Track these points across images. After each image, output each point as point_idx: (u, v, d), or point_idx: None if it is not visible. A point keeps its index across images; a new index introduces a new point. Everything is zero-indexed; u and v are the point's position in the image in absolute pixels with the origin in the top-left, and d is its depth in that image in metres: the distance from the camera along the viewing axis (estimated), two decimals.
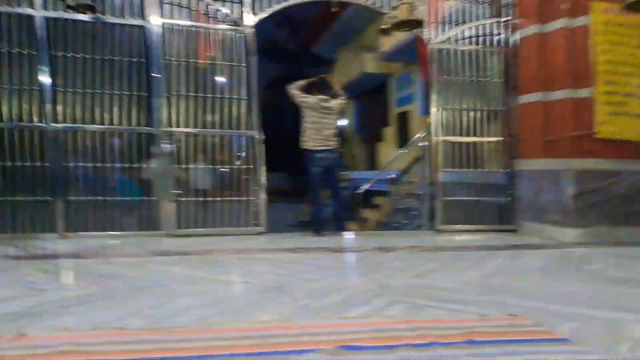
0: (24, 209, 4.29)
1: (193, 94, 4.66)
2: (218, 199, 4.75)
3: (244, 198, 4.84)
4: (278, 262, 3.44)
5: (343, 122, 13.67)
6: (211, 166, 4.74)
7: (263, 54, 5.46)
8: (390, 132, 11.40)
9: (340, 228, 4.98)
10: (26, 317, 2.04)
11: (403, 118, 10.73)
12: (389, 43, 9.50)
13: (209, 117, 4.74)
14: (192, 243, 4.25)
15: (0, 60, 4.25)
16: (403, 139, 10.21)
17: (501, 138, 5.25)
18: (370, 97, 13.14)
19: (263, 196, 4.82)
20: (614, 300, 2.43)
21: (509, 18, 5.23)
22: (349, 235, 4.97)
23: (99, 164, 4.53)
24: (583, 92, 4.57)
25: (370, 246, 4.20)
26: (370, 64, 11.44)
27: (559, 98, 4.67)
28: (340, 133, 6.54)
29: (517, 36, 5.10)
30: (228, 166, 4.84)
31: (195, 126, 4.69)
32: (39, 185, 4.32)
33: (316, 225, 4.92)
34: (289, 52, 21.38)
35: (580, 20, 4.58)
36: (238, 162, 4.85)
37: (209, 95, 4.69)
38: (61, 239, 4.34)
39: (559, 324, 2.01)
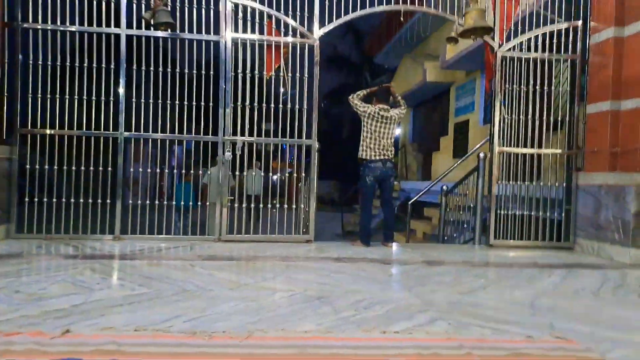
0: (86, 211, 4.53)
1: (257, 105, 4.75)
2: (269, 205, 4.80)
3: (295, 206, 4.91)
4: (323, 271, 3.41)
5: (399, 131, 13.51)
6: (267, 173, 4.79)
7: (325, 63, 5.51)
8: (447, 141, 11.13)
9: (388, 239, 4.89)
10: (73, 314, 2.12)
11: (461, 127, 10.45)
12: (453, 51, 9.29)
13: (270, 126, 4.84)
14: (241, 249, 4.32)
15: (83, 74, 4.55)
16: (460, 149, 9.93)
17: (563, 150, 4.98)
18: (429, 105, 12.90)
19: (313, 205, 4.83)
20: None
21: (582, 22, 4.96)
22: (396, 247, 4.87)
23: (160, 170, 4.78)
24: None
25: (417, 259, 4.08)
26: (432, 73, 11.20)
27: (631, 107, 4.36)
28: (396, 142, 6.40)
29: (590, 41, 4.83)
30: (283, 174, 4.94)
31: (257, 135, 4.80)
32: (102, 190, 4.54)
33: (364, 235, 4.86)
34: (350, 61, 21.51)
35: None
36: (290, 170, 4.93)
37: (272, 105, 4.76)
38: (117, 240, 4.54)
39: (610, 349, 1.85)
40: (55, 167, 4.60)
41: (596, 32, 4.77)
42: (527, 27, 5.01)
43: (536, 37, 5.02)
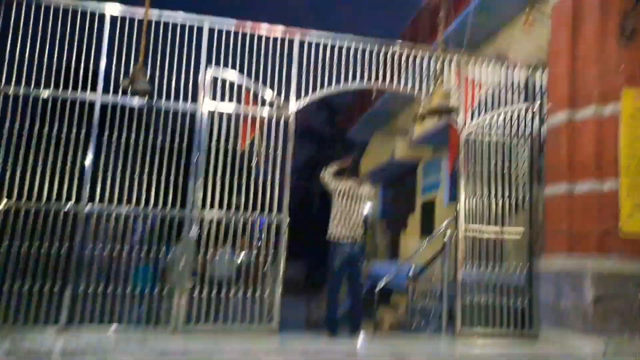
0: (30, 299, 4.15)
1: (229, 177, 4.59)
2: (232, 291, 4.49)
3: (259, 292, 4.55)
4: None
5: (369, 210, 13.59)
6: (232, 254, 4.57)
7: (299, 136, 5.57)
8: (415, 220, 11.22)
9: (356, 328, 4.71)
10: None
11: (428, 206, 10.61)
12: (421, 128, 9.59)
13: (240, 200, 4.67)
14: (198, 342, 4.02)
15: (51, 143, 4.32)
16: (427, 227, 10.00)
17: (525, 230, 5.02)
18: (397, 183, 13.14)
19: (279, 291, 4.56)
20: None
21: (540, 104, 5.18)
22: (363, 339, 4.67)
23: (119, 249, 4.40)
24: (609, 185, 4.39)
25: (385, 353, 3.91)
26: (401, 149, 11.49)
27: (585, 190, 4.49)
28: (366, 221, 6.40)
29: (547, 124, 5.05)
30: (248, 253, 4.64)
31: (227, 208, 4.59)
32: (50, 272, 4.18)
33: (331, 325, 4.67)
34: (323, 135, 21.78)
35: (610, 108, 4.49)
36: (257, 250, 4.63)
37: (244, 178, 4.63)
38: (62, 332, 4.15)
39: None
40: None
41: (551, 114, 4.92)
42: (489, 108, 5.16)
43: (500, 116, 5.15)
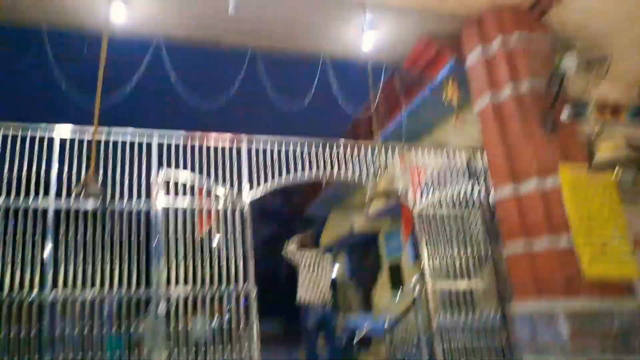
0: None
1: (192, 264, 4.70)
2: (211, 351, 4.53)
3: (236, 357, 4.61)
4: None
5: (336, 270, 13.77)
6: (205, 319, 4.62)
7: (259, 217, 5.75)
8: (384, 277, 11.38)
9: None
10: None
11: (395, 266, 10.80)
12: (375, 205, 9.88)
13: (205, 282, 4.75)
14: None
15: (7, 241, 4.31)
16: (396, 283, 10.17)
17: (492, 282, 5.34)
18: (362, 248, 13.32)
19: (256, 351, 4.64)
20: None
21: (484, 180, 5.65)
22: None
23: (87, 332, 4.37)
24: (565, 239, 4.73)
25: None
26: (359, 224, 11.91)
27: (543, 246, 4.81)
28: (334, 282, 6.51)
29: (494, 196, 5.42)
30: (221, 319, 4.75)
31: (193, 284, 4.68)
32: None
33: None
34: (282, 214, 22.48)
35: (550, 180, 4.92)
36: (229, 315, 4.74)
37: (206, 263, 4.75)
38: None
39: None
40: None
41: (497, 188, 5.38)
42: (438, 186, 5.66)
43: (447, 193, 5.62)
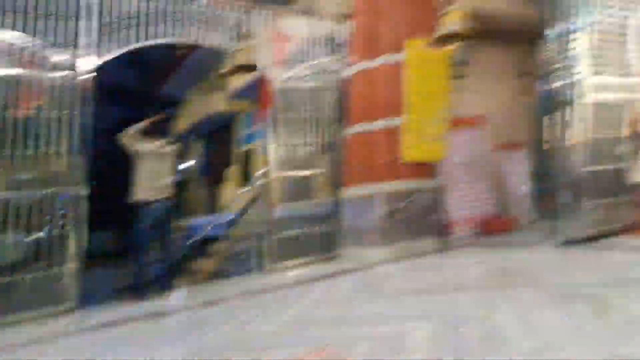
0: None
1: (9, 151, 3.89)
2: (17, 276, 3.89)
3: (49, 271, 4.03)
4: (86, 346, 3.01)
5: (184, 166, 13.05)
6: (18, 236, 3.91)
7: (106, 96, 4.94)
8: (233, 171, 11.23)
9: (168, 286, 4.65)
10: None
11: (247, 157, 10.68)
12: (236, 82, 9.39)
13: (26, 176, 4.00)
14: None
15: None
16: (246, 178, 10.13)
17: (330, 169, 5.55)
18: (216, 137, 12.84)
19: (74, 265, 4.11)
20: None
21: (343, 55, 5.63)
22: (176, 293, 4.65)
23: None
24: (396, 122, 5.11)
25: (196, 303, 3.98)
26: (218, 104, 11.17)
27: (378, 128, 5.16)
28: (179, 178, 6.16)
29: (349, 72, 5.47)
30: (38, 233, 4.02)
31: (6, 189, 3.90)
32: None
33: (140, 287, 4.51)
34: (135, 94, 19.77)
35: (398, 57, 5.10)
36: (48, 227, 4.05)
37: (28, 151, 3.97)
38: None
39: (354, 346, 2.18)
40: None
41: (353, 63, 5.50)
42: (301, 59, 5.53)
43: (309, 67, 5.54)
